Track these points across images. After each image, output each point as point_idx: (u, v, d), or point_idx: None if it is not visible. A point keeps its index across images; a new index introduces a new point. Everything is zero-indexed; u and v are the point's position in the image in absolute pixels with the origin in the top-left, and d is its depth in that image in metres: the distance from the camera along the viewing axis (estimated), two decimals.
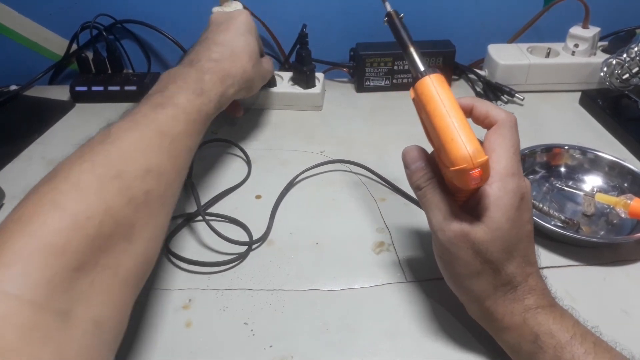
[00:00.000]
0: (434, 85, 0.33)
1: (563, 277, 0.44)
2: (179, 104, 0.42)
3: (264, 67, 0.60)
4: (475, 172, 0.30)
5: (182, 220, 0.52)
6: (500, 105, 0.73)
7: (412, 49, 0.35)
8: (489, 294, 0.35)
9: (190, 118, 0.42)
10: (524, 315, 0.34)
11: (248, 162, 0.61)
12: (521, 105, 0.73)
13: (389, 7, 0.37)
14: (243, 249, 0.48)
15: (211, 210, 0.53)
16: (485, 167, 0.31)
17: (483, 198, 0.34)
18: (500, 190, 0.33)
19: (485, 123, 0.37)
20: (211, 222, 0.49)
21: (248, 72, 0.53)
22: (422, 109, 0.34)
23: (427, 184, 0.36)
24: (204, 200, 0.53)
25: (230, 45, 0.52)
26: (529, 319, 0.34)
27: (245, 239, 0.49)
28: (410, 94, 0.35)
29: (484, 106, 0.37)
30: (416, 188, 0.37)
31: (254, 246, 0.48)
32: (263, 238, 0.49)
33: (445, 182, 0.36)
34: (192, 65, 0.48)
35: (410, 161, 0.37)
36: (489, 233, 0.33)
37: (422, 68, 0.34)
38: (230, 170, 0.60)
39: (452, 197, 0.35)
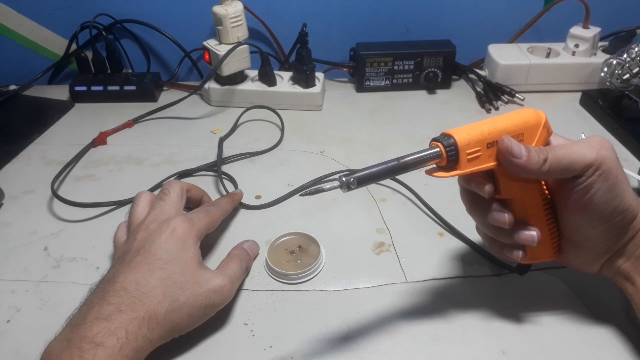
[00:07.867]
0: (461, 132, 0.32)
1: (564, 276, 0.44)
2: None
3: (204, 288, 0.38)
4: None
5: None
6: (501, 105, 0.73)
7: (404, 160, 0.32)
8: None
9: None
10: None
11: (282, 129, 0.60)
12: (521, 105, 0.73)
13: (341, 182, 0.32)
14: None
15: None
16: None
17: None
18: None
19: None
20: None
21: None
22: (479, 153, 0.33)
23: (546, 149, 0.34)
24: None
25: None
26: None
27: None
28: (439, 175, 0.33)
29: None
30: (543, 161, 0.33)
31: None
32: None
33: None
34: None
35: (518, 150, 0.33)
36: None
37: (432, 150, 0.32)
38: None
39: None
